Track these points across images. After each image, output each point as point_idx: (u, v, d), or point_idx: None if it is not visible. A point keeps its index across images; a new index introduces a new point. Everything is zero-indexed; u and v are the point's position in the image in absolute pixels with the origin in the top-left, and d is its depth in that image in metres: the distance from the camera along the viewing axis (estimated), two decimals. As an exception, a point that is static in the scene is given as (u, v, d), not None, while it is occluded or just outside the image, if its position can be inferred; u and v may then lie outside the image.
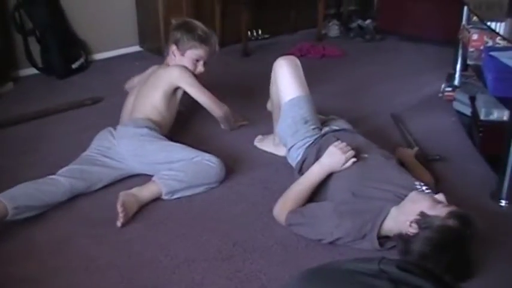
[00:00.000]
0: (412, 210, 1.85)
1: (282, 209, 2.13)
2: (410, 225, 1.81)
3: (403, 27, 4.74)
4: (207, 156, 2.42)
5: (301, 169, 2.34)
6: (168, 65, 2.72)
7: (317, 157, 2.25)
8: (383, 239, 1.95)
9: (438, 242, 1.75)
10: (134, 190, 2.26)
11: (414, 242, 1.78)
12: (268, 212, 2.21)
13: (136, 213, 2.22)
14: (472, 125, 2.87)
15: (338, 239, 1.98)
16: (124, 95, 2.86)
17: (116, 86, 2.78)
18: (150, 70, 2.85)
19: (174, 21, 2.84)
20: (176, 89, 2.66)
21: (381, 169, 2.16)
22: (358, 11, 5.53)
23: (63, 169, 2.35)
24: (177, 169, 2.35)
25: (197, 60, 2.71)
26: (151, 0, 4.19)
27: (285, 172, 2.51)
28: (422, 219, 1.80)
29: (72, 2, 3.97)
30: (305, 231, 2.05)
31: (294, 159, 2.42)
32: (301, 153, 2.37)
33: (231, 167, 2.54)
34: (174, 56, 2.70)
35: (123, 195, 2.19)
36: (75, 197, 2.31)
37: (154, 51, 4.27)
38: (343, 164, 2.15)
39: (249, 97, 3.35)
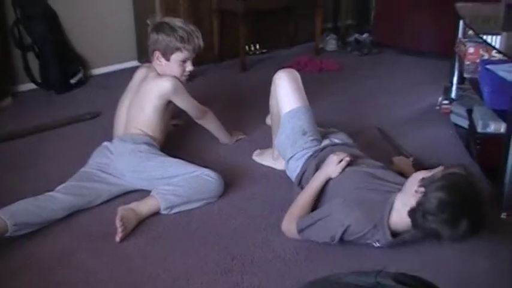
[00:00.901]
0: (413, 185, 1.90)
1: (290, 220, 2.14)
2: (416, 192, 1.86)
3: (399, 40, 4.77)
4: (206, 171, 2.42)
5: (301, 182, 2.35)
6: (157, 73, 2.63)
7: (316, 170, 2.26)
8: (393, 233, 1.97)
9: (449, 186, 1.81)
10: (133, 205, 2.26)
11: (427, 201, 1.82)
12: (267, 226, 2.22)
13: (135, 228, 2.22)
14: (469, 137, 2.88)
15: (348, 227, 1.96)
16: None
17: (114, 101, 2.78)
18: (138, 75, 2.75)
19: (149, 22, 2.72)
20: (169, 102, 2.64)
21: (381, 173, 2.20)
22: (355, 25, 5.57)
23: (62, 185, 2.35)
24: (175, 184, 2.35)
25: (184, 61, 2.66)
26: (149, 16, 4.20)
27: (284, 186, 2.51)
28: (425, 181, 1.87)
29: (71, 17, 3.99)
30: (316, 232, 2.04)
31: (293, 171, 2.42)
32: (300, 165, 2.38)
33: (229, 181, 2.54)
34: (160, 61, 2.63)
35: (121, 210, 2.19)
36: (74, 212, 2.31)
37: (152, 66, 4.29)
38: (338, 163, 2.19)
39: (247, 111, 3.36)
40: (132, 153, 2.47)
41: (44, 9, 3.82)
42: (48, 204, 2.23)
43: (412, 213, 1.87)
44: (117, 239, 2.13)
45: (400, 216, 1.94)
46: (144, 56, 4.42)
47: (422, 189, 1.85)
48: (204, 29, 4.37)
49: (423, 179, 1.89)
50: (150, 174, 2.43)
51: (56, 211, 2.24)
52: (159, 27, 2.63)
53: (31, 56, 3.86)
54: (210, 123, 2.89)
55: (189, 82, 3.48)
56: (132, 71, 4.01)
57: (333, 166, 2.20)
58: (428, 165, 2.58)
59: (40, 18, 3.77)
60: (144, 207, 2.28)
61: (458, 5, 3.30)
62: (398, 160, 2.61)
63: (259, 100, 3.40)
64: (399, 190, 2.01)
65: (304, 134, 2.43)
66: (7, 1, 3.73)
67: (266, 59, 4.65)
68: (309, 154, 2.38)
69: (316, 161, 2.32)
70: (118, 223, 2.13)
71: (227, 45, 4.49)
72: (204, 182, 2.39)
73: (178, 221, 2.28)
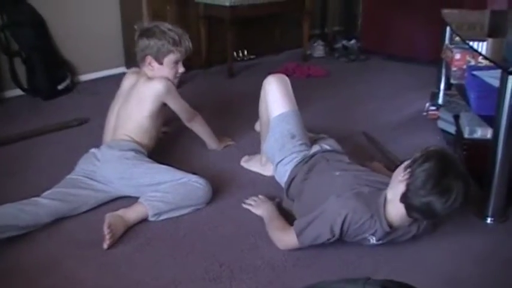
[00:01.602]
0: (399, 174, 1.97)
1: (282, 232, 2.14)
2: (403, 177, 1.93)
3: (387, 47, 4.81)
4: (193, 177, 2.41)
5: (289, 187, 2.34)
6: (149, 77, 2.63)
7: (305, 178, 2.27)
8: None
9: (432, 156, 1.91)
10: (120, 212, 2.25)
11: (415, 179, 1.89)
12: (255, 233, 2.21)
13: (123, 235, 2.20)
14: (457, 143, 2.90)
15: (346, 216, 1.95)
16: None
17: (102, 107, 2.77)
18: (127, 81, 2.73)
19: (136, 27, 2.73)
20: (163, 104, 2.65)
21: (370, 174, 2.26)
22: (342, 32, 5.60)
23: (48, 192, 2.33)
24: (163, 190, 2.34)
25: (176, 63, 2.68)
26: (136, 21, 4.20)
27: (272, 192, 2.51)
28: (408, 165, 1.95)
29: (59, 23, 3.97)
30: (315, 229, 2.01)
31: (282, 176, 2.42)
32: (289, 170, 2.37)
33: (217, 188, 2.53)
34: (152, 66, 2.64)
35: (109, 217, 2.17)
36: (61, 218, 2.29)
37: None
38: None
39: (235, 117, 3.36)
40: (118, 160, 2.45)
41: (31, 15, 3.80)
42: (32, 209, 2.21)
43: (404, 196, 1.92)
44: (105, 246, 2.11)
45: (393, 206, 1.97)
46: (131, 62, 4.41)
47: (408, 171, 1.92)
48: (191, 35, 4.33)
49: (406, 165, 1.95)
50: (137, 181, 2.41)
51: (40, 216, 2.22)
52: (149, 32, 2.63)
53: (18, 62, 3.83)
54: (199, 127, 2.90)
55: (178, 88, 3.48)
56: (120, 77, 4.00)
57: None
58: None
59: (27, 24, 3.75)
60: (131, 214, 2.27)
61: (445, 11, 3.33)
62: (375, 165, 2.62)
63: (247, 106, 3.41)
64: (389, 187, 2.04)
65: (293, 137, 2.42)
66: (-7, 7, 3.72)
67: (254, 65, 4.66)
68: (297, 159, 2.38)
69: (306, 169, 2.31)
70: (106, 230, 2.12)
71: (215, 51, 4.50)
72: (192, 189, 2.38)
73: (166, 228, 2.27)
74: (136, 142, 2.55)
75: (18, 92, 3.88)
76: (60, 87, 3.92)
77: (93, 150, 2.56)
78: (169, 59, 2.64)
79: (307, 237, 2.04)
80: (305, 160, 2.36)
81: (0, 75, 3.84)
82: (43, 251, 2.12)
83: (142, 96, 2.59)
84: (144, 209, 2.29)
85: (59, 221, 2.28)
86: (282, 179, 2.42)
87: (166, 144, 2.98)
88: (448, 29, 3.28)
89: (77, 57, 4.14)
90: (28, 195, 2.31)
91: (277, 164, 2.44)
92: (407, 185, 1.91)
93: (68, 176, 2.46)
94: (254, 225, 2.27)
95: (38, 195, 2.30)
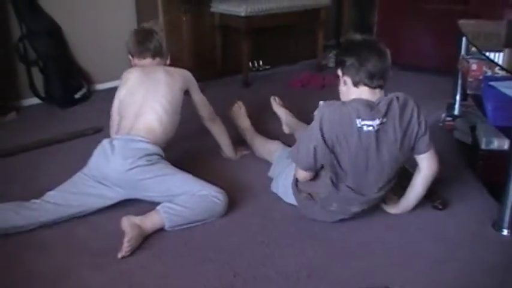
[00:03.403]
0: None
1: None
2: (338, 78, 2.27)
3: (401, 57, 4.76)
4: (213, 191, 2.39)
5: (297, 185, 2.36)
6: (166, 69, 2.72)
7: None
8: None
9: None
10: (138, 221, 2.22)
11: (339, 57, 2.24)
12: (269, 242, 2.21)
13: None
14: (473, 154, 2.88)
15: (323, 112, 2.14)
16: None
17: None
18: (134, 75, 2.71)
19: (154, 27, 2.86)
20: (185, 92, 2.72)
21: None
22: (379, 51, 5.57)
23: (53, 192, 2.39)
24: (182, 204, 2.31)
25: None
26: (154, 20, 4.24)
27: (285, 201, 2.51)
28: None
29: (75, 33, 4.02)
30: (304, 142, 2.20)
31: (285, 177, 2.46)
32: (293, 169, 2.37)
33: (230, 197, 2.53)
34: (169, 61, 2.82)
35: (130, 231, 2.15)
36: (74, 225, 2.32)
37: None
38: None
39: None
40: (133, 170, 2.39)
41: (48, 25, 3.85)
42: (34, 213, 2.28)
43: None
44: (120, 256, 2.11)
45: (352, 92, 2.19)
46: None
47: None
48: (207, 45, 4.42)
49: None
50: (153, 192, 2.40)
51: (41, 220, 2.28)
52: (156, 34, 2.80)
53: (35, 71, 3.88)
54: (218, 128, 2.93)
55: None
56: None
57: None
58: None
59: (45, 33, 3.80)
60: (149, 224, 2.25)
61: (461, 22, 3.31)
62: None
63: (262, 116, 3.41)
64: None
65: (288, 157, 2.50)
66: (12, 16, 3.76)
67: (269, 75, 4.67)
68: None
69: None
70: (126, 244, 2.11)
71: (230, 61, 4.51)
72: (211, 205, 2.36)
73: (180, 237, 2.27)
74: (156, 143, 2.50)
75: (35, 100, 3.92)
76: (76, 96, 3.96)
77: (106, 143, 2.50)
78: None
79: (301, 155, 2.20)
80: None
81: (18, 84, 3.89)
82: (57, 259, 2.13)
83: (170, 81, 2.64)
84: (162, 220, 2.27)
85: (71, 227, 2.31)
86: (287, 184, 2.44)
87: (182, 151, 2.99)
88: (464, 39, 3.26)
89: (93, 66, 4.17)
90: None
91: (278, 175, 2.53)
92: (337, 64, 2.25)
93: (78, 173, 2.49)
94: (268, 234, 2.27)
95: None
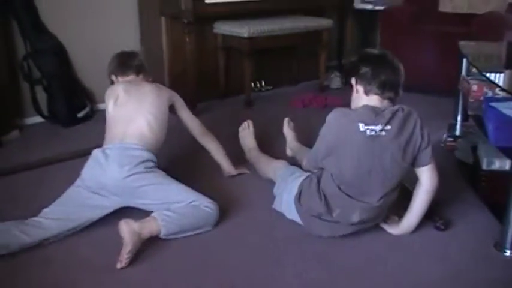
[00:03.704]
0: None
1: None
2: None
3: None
4: (205, 201, 2.44)
5: (300, 198, 2.38)
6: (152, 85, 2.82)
7: (318, 185, 2.33)
8: None
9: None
10: (137, 227, 2.22)
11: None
12: (271, 261, 2.21)
13: (136, 255, 2.21)
14: (474, 174, 2.88)
15: (331, 117, 2.28)
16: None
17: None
18: (121, 87, 2.74)
19: (119, 53, 2.95)
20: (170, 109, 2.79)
21: None
22: (394, 68, 5.59)
23: (50, 208, 2.41)
24: (179, 212, 2.35)
25: None
26: (156, 53, 4.28)
27: (286, 218, 2.51)
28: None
29: (79, 52, 4.05)
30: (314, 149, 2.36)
31: (289, 192, 2.47)
32: (297, 185, 2.43)
33: (230, 212, 2.55)
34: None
35: (129, 239, 2.16)
36: (74, 241, 2.33)
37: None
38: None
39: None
40: (130, 177, 2.44)
41: (53, 44, 3.89)
42: (35, 230, 2.28)
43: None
44: (119, 267, 2.13)
45: (361, 100, 2.29)
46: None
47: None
48: (209, 65, 4.45)
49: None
50: (149, 199, 2.45)
51: (42, 236, 2.29)
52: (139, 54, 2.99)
53: (39, 90, 3.91)
54: (213, 143, 2.98)
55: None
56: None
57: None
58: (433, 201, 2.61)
59: (49, 52, 3.84)
60: (147, 231, 2.26)
61: (462, 43, 3.34)
62: None
63: (264, 136, 3.42)
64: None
65: (292, 174, 2.57)
66: (17, 35, 3.80)
67: (271, 96, 4.69)
68: (302, 177, 2.46)
69: (316, 178, 2.37)
70: (126, 257, 2.13)
71: (232, 82, 4.54)
72: (205, 214, 2.41)
73: (180, 253, 2.27)
74: (150, 150, 2.57)
75: (38, 119, 3.95)
76: (79, 115, 3.98)
77: (98, 153, 2.54)
78: None
79: (313, 156, 2.36)
80: (311, 177, 2.42)
81: (21, 103, 3.91)
82: (59, 276, 2.13)
83: (156, 91, 2.75)
84: (159, 227, 2.29)
85: (71, 243, 2.32)
86: (291, 195, 2.45)
87: (179, 163, 3.00)
88: (464, 60, 3.29)
89: (96, 86, 4.19)
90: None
91: (281, 192, 2.54)
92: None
93: (72, 187, 2.52)
94: (269, 253, 2.27)
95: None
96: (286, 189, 2.50)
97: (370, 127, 2.15)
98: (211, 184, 2.89)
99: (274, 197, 2.62)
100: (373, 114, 2.17)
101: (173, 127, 2.84)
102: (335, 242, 2.34)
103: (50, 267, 2.18)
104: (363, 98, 2.27)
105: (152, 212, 2.36)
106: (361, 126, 2.15)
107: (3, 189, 2.90)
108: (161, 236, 2.30)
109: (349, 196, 2.25)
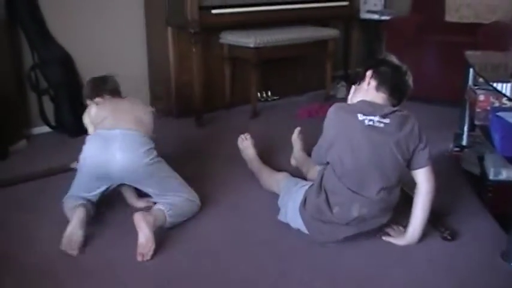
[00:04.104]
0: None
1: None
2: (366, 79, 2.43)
3: (410, 88, 4.80)
4: (191, 196, 2.64)
5: (305, 205, 2.41)
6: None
7: (323, 191, 2.35)
8: None
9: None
10: (151, 220, 2.35)
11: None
12: (277, 273, 2.20)
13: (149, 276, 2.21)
14: (481, 185, 2.87)
15: (332, 109, 2.38)
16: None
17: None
18: (100, 103, 2.80)
19: (92, 78, 3.03)
20: None
21: None
22: (408, 76, 5.60)
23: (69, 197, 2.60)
24: (178, 206, 2.54)
25: None
26: (163, 63, 4.30)
27: (293, 232, 2.50)
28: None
29: (87, 63, 4.07)
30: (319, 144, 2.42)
31: (294, 200, 2.49)
32: (303, 194, 2.46)
33: (238, 227, 2.54)
34: None
35: (150, 233, 2.30)
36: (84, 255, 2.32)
37: (165, 112, 4.35)
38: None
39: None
40: (140, 167, 2.52)
41: (60, 54, 3.91)
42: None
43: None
44: (144, 259, 2.28)
45: (361, 95, 2.41)
46: (157, 102, 4.50)
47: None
48: (216, 75, 4.46)
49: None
50: (152, 189, 2.59)
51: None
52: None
53: (46, 100, 3.93)
54: None
55: (200, 127, 3.54)
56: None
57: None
58: (439, 212, 2.60)
59: (56, 62, 3.86)
60: (158, 223, 2.41)
61: (468, 53, 3.34)
62: None
63: (269, 146, 3.43)
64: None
65: (296, 184, 2.59)
66: (25, 46, 3.83)
67: (277, 106, 4.70)
68: (307, 186, 2.49)
69: (319, 176, 2.40)
70: (150, 248, 2.29)
71: (238, 92, 4.55)
72: (194, 208, 2.64)
73: (187, 265, 2.27)
74: (145, 132, 2.64)
75: (45, 129, 3.97)
76: (86, 125, 4.00)
77: (103, 133, 2.59)
78: None
79: (317, 152, 2.43)
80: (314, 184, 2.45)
81: (28, 113, 3.93)
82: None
83: (134, 101, 2.84)
84: (165, 218, 2.46)
85: (82, 257, 2.31)
86: (296, 203, 2.47)
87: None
88: (471, 70, 3.29)
89: (103, 96, 4.21)
90: (44, 229, 2.47)
91: (287, 202, 2.54)
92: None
93: (78, 181, 2.64)
94: (275, 265, 2.27)
95: (56, 231, 2.40)
96: (291, 199, 2.51)
97: (369, 117, 2.25)
98: (213, 194, 2.89)
99: (278, 209, 2.62)
100: (370, 107, 2.29)
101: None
102: (341, 253, 2.34)
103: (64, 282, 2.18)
104: (371, 92, 2.38)
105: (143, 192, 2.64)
106: (360, 116, 2.26)
107: (10, 198, 2.91)
108: (165, 226, 2.46)
109: (348, 189, 2.28)
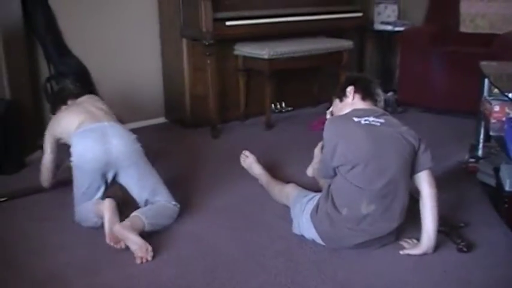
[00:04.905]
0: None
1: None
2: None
3: (424, 99, 4.79)
4: (172, 200, 2.70)
5: (317, 212, 2.43)
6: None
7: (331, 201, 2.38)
8: None
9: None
10: (129, 225, 2.42)
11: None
12: (292, 285, 2.20)
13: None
14: (497, 196, 2.85)
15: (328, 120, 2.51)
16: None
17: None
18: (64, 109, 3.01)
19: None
20: None
21: None
22: (379, 84, 5.60)
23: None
24: (157, 211, 2.61)
25: None
26: (178, 75, 4.32)
27: (308, 244, 2.50)
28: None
29: (102, 75, 4.11)
30: (323, 159, 2.49)
31: (306, 211, 2.51)
32: (315, 203, 2.48)
33: (252, 237, 2.54)
34: None
35: (137, 236, 2.38)
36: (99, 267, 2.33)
37: (178, 123, 4.38)
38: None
39: (271, 168, 3.36)
40: (134, 152, 2.70)
41: (76, 66, 3.95)
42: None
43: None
44: (143, 261, 2.34)
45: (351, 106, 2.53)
46: (171, 112, 4.52)
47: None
48: (230, 87, 4.48)
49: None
50: (136, 181, 2.68)
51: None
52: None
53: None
54: None
55: (215, 139, 3.56)
56: (159, 127, 4.12)
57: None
58: (455, 223, 2.58)
59: (72, 75, 3.89)
60: (137, 228, 2.45)
61: (483, 63, 3.33)
62: None
63: (283, 158, 3.43)
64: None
65: (305, 196, 2.61)
66: (41, 57, 3.88)
67: (291, 117, 4.70)
68: (318, 196, 2.52)
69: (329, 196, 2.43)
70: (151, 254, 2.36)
71: (253, 103, 4.56)
72: (174, 213, 2.69)
73: (204, 273, 2.27)
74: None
75: (61, 140, 4.00)
76: (101, 136, 4.02)
77: (92, 127, 2.70)
78: None
79: (322, 167, 2.52)
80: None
81: (44, 123, 3.95)
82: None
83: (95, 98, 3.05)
84: (144, 224, 2.49)
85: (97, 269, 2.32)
86: (307, 211, 2.50)
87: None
88: (486, 80, 3.27)
89: (118, 107, 4.23)
90: (67, 239, 2.47)
91: (300, 213, 2.55)
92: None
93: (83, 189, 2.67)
94: (290, 276, 2.26)
95: (75, 240, 2.49)
96: (303, 210, 2.52)
97: (363, 118, 2.38)
98: (230, 206, 2.90)
99: (290, 221, 2.62)
100: (362, 111, 2.44)
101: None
102: (355, 264, 2.33)
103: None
104: (355, 104, 2.53)
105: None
106: (355, 119, 2.38)
107: (21, 207, 2.95)
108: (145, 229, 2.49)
109: (355, 186, 2.32)
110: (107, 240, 2.40)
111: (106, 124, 2.72)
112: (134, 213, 2.53)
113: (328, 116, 2.66)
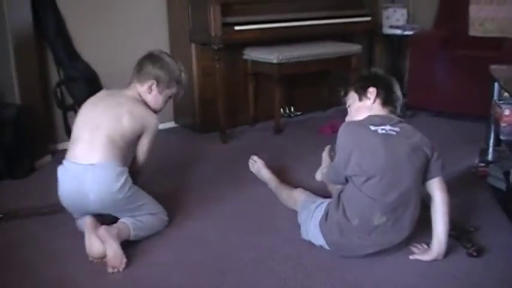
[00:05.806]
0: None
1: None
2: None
3: (433, 103, 4.77)
4: (161, 212, 2.66)
5: (326, 219, 2.40)
6: (138, 100, 2.73)
7: (341, 207, 2.36)
8: None
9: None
10: (115, 233, 2.38)
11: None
12: (299, 286, 2.18)
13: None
14: (507, 200, 2.83)
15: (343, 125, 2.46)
16: (158, 171, 2.93)
17: (151, 161, 2.84)
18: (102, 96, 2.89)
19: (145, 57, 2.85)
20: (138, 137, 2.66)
21: None
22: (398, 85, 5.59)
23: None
24: (143, 221, 2.54)
25: (170, 97, 2.86)
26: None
27: (317, 249, 2.49)
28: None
29: (112, 81, 4.12)
30: (335, 164, 2.47)
31: (315, 218, 2.48)
32: (324, 210, 2.46)
33: (260, 242, 2.54)
34: (151, 90, 2.74)
35: (117, 245, 2.34)
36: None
37: (188, 127, 4.39)
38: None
39: (280, 172, 3.36)
40: (115, 198, 2.47)
41: (86, 71, 3.98)
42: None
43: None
44: (115, 270, 2.31)
45: (363, 112, 2.49)
46: (180, 117, 4.53)
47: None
48: (239, 91, 4.49)
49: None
50: (122, 213, 2.55)
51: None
52: (159, 62, 2.78)
53: (72, 116, 3.97)
54: (139, 180, 2.76)
55: (225, 144, 3.56)
56: (168, 131, 4.12)
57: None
58: (465, 227, 2.57)
59: (82, 79, 3.92)
60: (123, 236, 2.43)
61: (493, 67, 3.31)
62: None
63: (291, 162, 3.42)
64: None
65: (313, 202, 2.58)
66: (51, 62, 3.90)
67: (301, 122, 4.70)
68: (326, 203, 2.49)
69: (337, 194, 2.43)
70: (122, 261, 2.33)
71: (262, 108, 4.56)
72: (160, 222, 2.65)
73: (214, 278, 2.27)
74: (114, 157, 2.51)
75: (70, 144, 4.01)
76: (111, 140, 4.04)
77: (75, 172, 2.49)
78: (170, 91, 2.81)
79: (332, 172, 2.53)
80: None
81: (54, 128, 3.99)
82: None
83: (134, 119, 2.60)
84: (129, 232, 2.46)
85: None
86: (316, 220, 2.47)
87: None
88: (496, 84, 3.26)
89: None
90: (79, 243, 2.43)
91: (309, 220, 2.52)
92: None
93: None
94: (299, 281, 2.25)
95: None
96: (311, 217, 2.50)
97: (380, 127, 2.34)
98: (240, 210, 2.90)
99: (299, 226, 2.62)
100: (379, 119, 2.40)
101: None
102: (365, 270, 2.32)
103: None
104: (373, 108, 2.48)
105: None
106: (372, 127, 2.34)
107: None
108: (130, 238, 2.47)
109: (369, 197, 2.29)
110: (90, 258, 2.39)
111: (88, 167, 2.45)
112: (123, 220, 2.50)
113: (347, 106, 2.64)
